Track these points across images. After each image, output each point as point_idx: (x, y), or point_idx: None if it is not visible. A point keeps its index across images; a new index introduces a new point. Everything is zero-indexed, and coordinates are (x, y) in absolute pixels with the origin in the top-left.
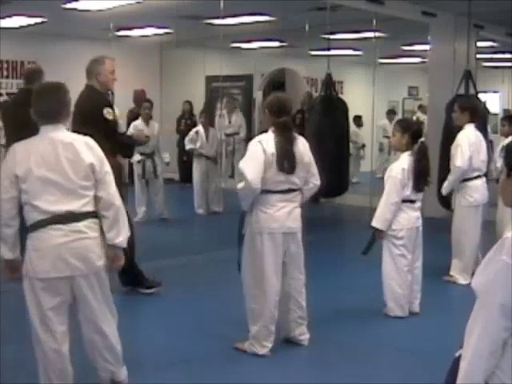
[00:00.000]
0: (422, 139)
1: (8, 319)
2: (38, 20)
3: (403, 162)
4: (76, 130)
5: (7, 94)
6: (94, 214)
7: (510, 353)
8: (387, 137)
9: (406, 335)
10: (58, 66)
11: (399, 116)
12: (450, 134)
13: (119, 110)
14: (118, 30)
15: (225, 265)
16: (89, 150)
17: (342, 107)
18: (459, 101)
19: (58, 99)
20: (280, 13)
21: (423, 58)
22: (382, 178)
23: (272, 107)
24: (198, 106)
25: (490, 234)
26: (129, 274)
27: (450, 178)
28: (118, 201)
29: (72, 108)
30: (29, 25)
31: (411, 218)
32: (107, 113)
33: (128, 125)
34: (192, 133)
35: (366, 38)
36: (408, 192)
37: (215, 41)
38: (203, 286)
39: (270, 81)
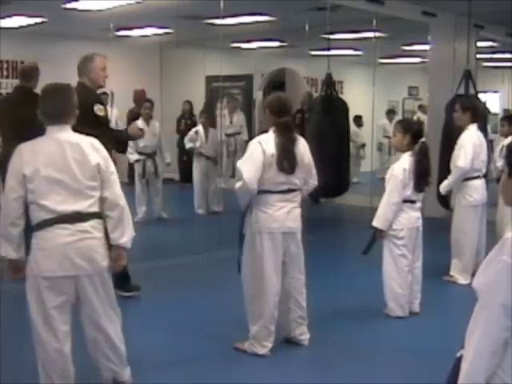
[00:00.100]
0: (423, 139)
1: (8, 319)
2: (38, 20)
3: (404, 162)
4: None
5: (7, 94)
6: (99, 215)
7: (511, 353)
8: (387, 137)
9: (406, 335)
10: (57, 66)
11: (399, 116)
12: (450, 134)
13: (119, 110)
14: (118, 29)
15: (225, 265)
16: (94, 150)
17: (343, 107)
18: (460, 101)
19: (64, 100)
20: (280, 13)
21: (423, 57)
22: (383, 179)
23: (273, 107)
24: (198, 106)
25: (490, 234)
26: (117, 275)
27: (451, 178)
28: (122, 201)
29: None
30: (29, 25)
31: (412, 218)
32: (98, 109)
33: (128, 125)
34: (192, 132)
35: (366, 38)
36: (409, 192)
37: (215, 41)
38: (203, 286)
39: (270, 81)
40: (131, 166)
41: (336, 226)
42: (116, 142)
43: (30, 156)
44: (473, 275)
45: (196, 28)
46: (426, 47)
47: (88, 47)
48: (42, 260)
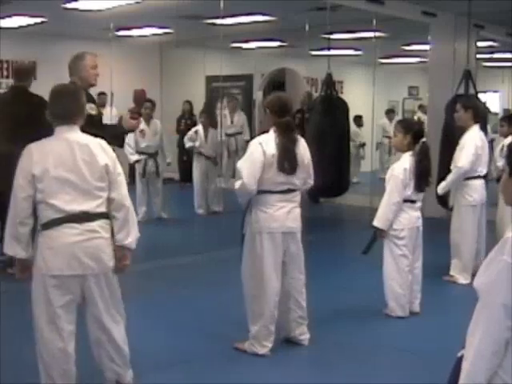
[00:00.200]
0: (424, 139)
1: (8, 319)
2: (38, 20)
3: (405, 162)
4: None
5: (2, 93)
6: (106, 215)
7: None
8: (387, 137)
9: (406, 335)
10: (57, 66)
11: (399, 116)
12: (450, 133)
13: (119, 110)
14: (118, 29)
15: (225, 265)
16: (103, 151)
17: (343, 107)
18: (462, 100)
19: (73, 100)
20: (280, 13)
21: (423, 57)
22: (384, 179)
23: (273, 107)
24: (198, 106)
25: (490, 234)
26: None
27: (450, 178)
28: (128, 202)
29: None
30: (29, 25)
31: (412, 218)
32: (90, 108)
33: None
34: (191, 132)
35: (365, 38)
36: (409, 192)
37: (215, 41)
38: (203, 286)
39: (270, 81)
40: (132, 166)
41: (336, 226)
42: (111, 137)
43: (40, 156)
44: (473, 276)
45: (196, 28)
46: (426, 47)
47: (88, 47)
48: (49, 259)
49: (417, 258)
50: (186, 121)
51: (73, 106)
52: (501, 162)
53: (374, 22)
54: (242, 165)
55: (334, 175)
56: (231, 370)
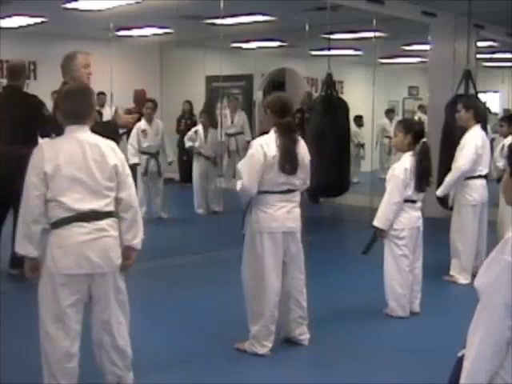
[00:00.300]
0: (424, 139)
1: (8, 319)
2: (38, 20)
3: (405, 162)
4: (59, 126)
5: None
6: (114, 214)
7: None
8: (388, 137)
9: (406, 335)
10: (57, 66)
11: (399, 116)
12: (450, 133)
13: (119, 110)
14: (118, 30)
15: (225, 265)
16: (112, 152)
17: (343, 107)
18: (462, 100)
19: (85, 101)
20: (280, 13)
21: (423, 57)
22: (384, 179)
23: (274, 107)
24: (198, 106)
25: (491, 234)
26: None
27: (449, 178)
28: (136, 203)
29: None
30: (29, 25)
31: (412, 218)
32: None
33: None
34: (191, 132)
35: (365, 38)
36: (410, 192)
37: (215, 41)
38: (203, 286)
39: (270, 81)
40: (132, 166)
41: (336, 225)
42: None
43: (51, 154)
44: (473, 276)
45: (196, 28)
46: (426, 47)
47: (88, 47)
48: (59, 258)
49: (417, 257)
50: (186, 121)
51: (84, 106)
52: (501, 163)
53: (374, 22)
54: (243, 167)
55: (334, 175)
56: (231, 370)
